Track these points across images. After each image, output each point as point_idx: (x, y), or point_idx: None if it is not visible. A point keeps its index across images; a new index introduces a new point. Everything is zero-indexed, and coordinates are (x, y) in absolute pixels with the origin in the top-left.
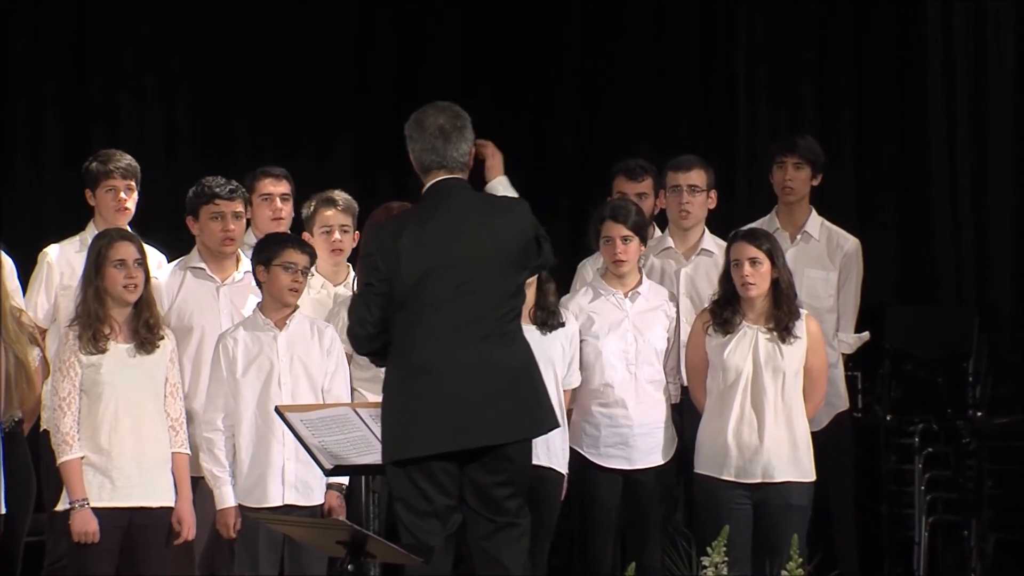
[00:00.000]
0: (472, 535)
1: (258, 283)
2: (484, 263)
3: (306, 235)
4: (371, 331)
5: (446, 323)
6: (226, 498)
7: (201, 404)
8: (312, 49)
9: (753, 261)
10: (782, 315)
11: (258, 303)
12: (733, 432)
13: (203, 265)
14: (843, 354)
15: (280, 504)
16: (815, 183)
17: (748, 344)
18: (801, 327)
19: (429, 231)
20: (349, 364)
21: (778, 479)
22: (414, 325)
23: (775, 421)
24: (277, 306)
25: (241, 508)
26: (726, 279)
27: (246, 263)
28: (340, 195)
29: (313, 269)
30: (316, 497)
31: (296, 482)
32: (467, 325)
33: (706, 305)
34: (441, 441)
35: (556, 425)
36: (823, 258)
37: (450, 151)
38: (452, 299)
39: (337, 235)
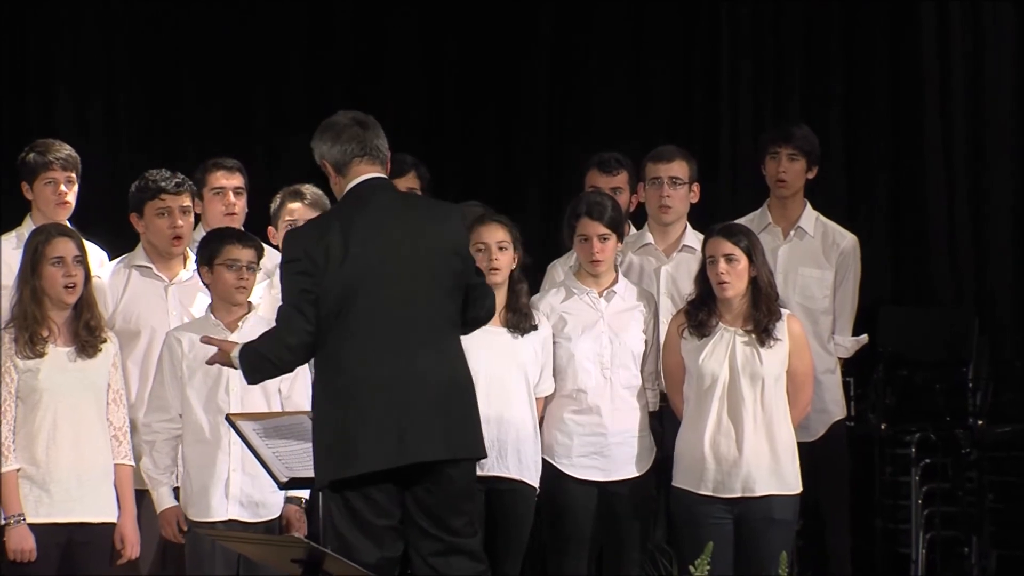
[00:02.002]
0: (418, 552)
1: (205, 285)
2: (417, 269)
3: (271, 230)
4: (309, 340)
5: (378, 335)
6: (164, 499)
7: None
8: (264, 39)
9: (729, 258)
10: (761, 316)
11: (209, 304)
12: (710, 443)
13: (149, 263)
14: (840, 359)
15: (224, 519)
16: (810, 176)
17: (724, 348)
18: (782, 329)
19: (357, 236)
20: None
21: (759, 493)
22: (343, 338)
23: (754, 431)
24: (227, 307)
25: (191, 523)
26: (702, 278)
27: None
28: (309, 189)
29: (278, 268)
30: (264, 513)
31: (241, 496)
32: (400, 337)
33: None
34: (379, 459)
35: (484, 455)
36: (818, 256)
37: (370, 138)
38: (384, 309)
39: None
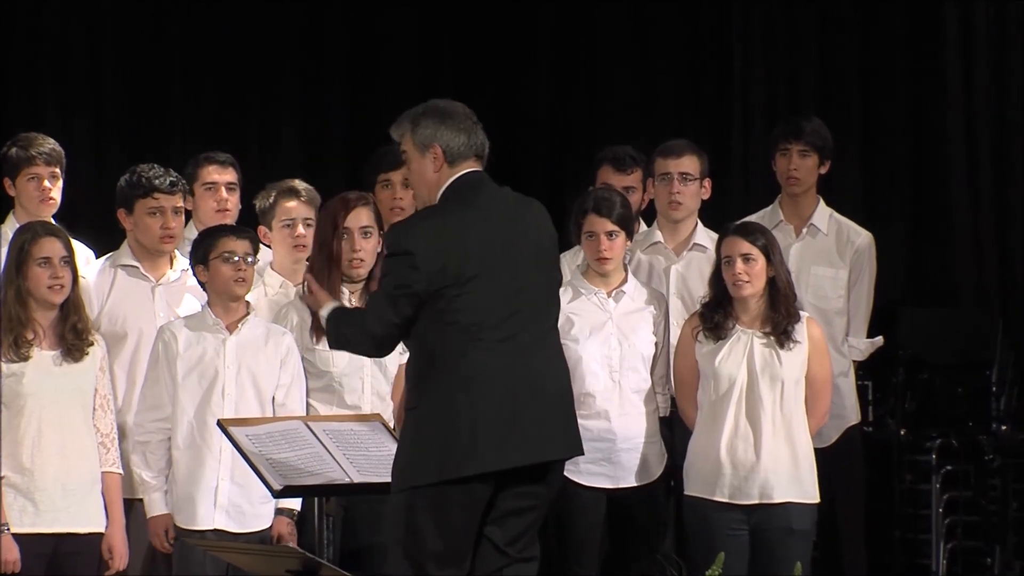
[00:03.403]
0: (481, 568)
1: (201, 285)
2: (531, 263)
3: (262, 230)
4: (395, 334)
5: (500, 332)
6: (155, 505)
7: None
8: (257, 27)
9: (746, 257)
10: (779, 318)
11: (206, 301)
12: (727, 448)
13: (136, 263)
14: (854, 361)
15: (209, 528)
16: (823, 171)
17: (742, 350)
18: (801, 331)
19: (474, 230)
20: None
21: (777, 500)
22: (465, 335)
23: (773, 435)
24: (226, 304)
25: (179, 532)
26: (716, 278)
27: (182, 260)
28: (303, 185)
29: (270, 266)
30: (251, 524)
31: (229, 506)
32: (520, 333)
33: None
34: (499, 459)
35: (583, 451)
36: (831, 254)
37: (483, 138)
38: (505, 306)
39: (300, 229)
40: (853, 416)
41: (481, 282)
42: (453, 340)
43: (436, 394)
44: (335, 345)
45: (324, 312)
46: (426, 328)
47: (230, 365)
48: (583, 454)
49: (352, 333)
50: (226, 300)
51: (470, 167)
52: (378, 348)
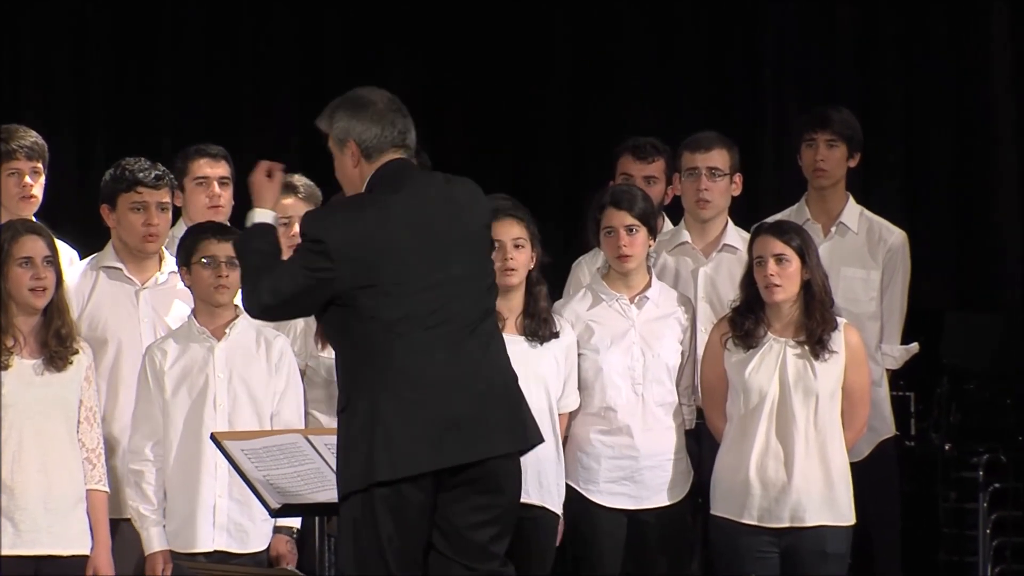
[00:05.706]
0: None
1: (188, 288)
2: (462, 253)
3: None
4: (281, 308)
5: (426, 325)
6: (154, 541)
7: (120, 430)
8: (254, 22)
9: (779, 258)
10: (814, 325)
11: (192, 309)
12: (756, 467)
13: (120, 264)
14: (888, 370)
15: (210, 550)
16: (852, 164)
17: (774, 361)
18: (839, 340)
19: (397, 220)
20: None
21: (810, 523)
22: (389, 331)
23: (806, 453)
24: (211, 310)
25: (178, 557)
26: (748, 282)
27: (171, 262)
28: (300, 180)
29: None
30: (253, 543)
31: (228, 524)
32: (451, 328)
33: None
34: (433, 458)
35: (542, 439)
36: (863, 254)
37: (409, 127)
38: (433, 298)
39: (297, 228)
40: (887, 429)
41: (403, 274)
42: (376, 337)
43: (362, 394)
44: (243, 245)
45: (257, 217)
46: (349, 326)
47: (220, 373)
48: (541, 441)
49: (259, 273)
50: (211, 308)
51: (391, 158)
52: (253, 307)
